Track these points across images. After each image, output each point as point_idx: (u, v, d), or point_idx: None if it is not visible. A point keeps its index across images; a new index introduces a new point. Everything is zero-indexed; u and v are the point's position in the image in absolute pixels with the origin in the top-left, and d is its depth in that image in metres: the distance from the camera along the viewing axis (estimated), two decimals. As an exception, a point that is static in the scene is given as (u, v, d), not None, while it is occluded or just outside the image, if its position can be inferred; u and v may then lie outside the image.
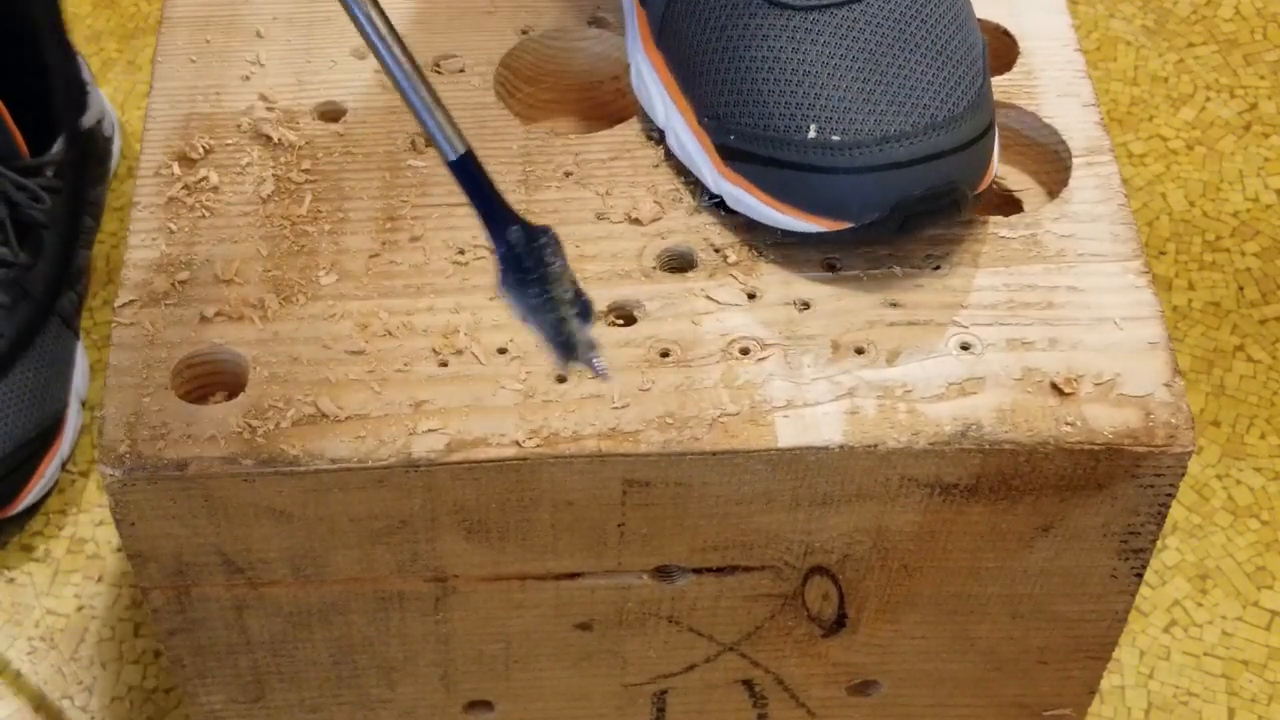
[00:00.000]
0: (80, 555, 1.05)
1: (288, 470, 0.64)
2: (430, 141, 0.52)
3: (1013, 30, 0.77)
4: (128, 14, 1.34)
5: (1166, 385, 0.66)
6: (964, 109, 0.64)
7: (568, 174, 0.72)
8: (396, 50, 0.51)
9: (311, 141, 0.73)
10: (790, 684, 0.76)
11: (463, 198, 0.71)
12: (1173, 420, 0.65)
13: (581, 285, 0.55)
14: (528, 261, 0.53)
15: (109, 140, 1.19)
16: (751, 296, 0.68)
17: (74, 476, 1.08)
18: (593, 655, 0.74)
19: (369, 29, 0.51)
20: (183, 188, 0.71)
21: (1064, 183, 0.72)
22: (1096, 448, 0.65)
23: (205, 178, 0.72)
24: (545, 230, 0.54)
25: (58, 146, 1.07)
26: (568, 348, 0.55)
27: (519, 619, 0.71)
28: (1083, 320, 0.68)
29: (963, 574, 0.70)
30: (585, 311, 0.55)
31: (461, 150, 0.52)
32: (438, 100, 0.52)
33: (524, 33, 0.77)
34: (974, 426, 0.65)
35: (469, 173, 0.53)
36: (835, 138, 0.62)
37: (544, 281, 0.54)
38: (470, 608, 0.71)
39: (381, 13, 0.51)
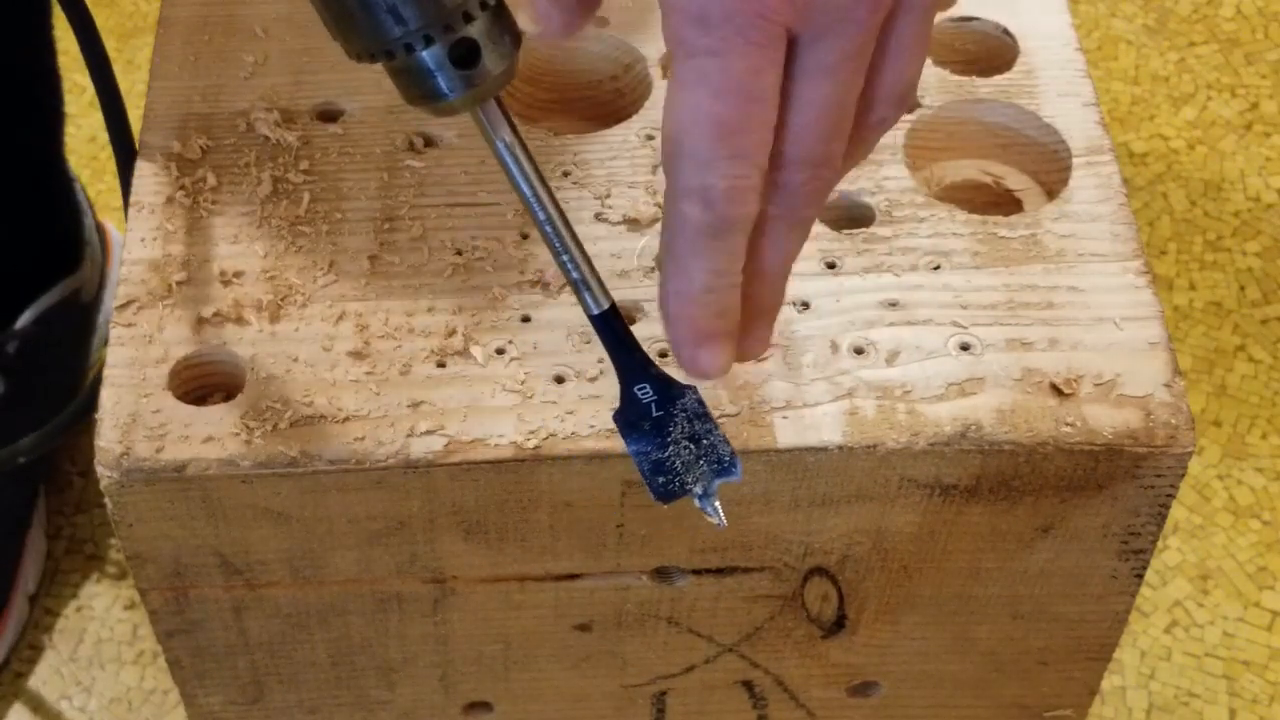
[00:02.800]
0: (80, 555, 1.05)
1: (286, 471, 0.64)
2: (577, 293, 0.52)
3: (1013, 30, 0.77)
4: (127, 13, 1.34)
5: (1167, 385, 0.66)
6: None
7: (566, 174, 0.72)
8: (548, 202, 0.51)
9: (310, 142, 0.73)
10: (790, 685, 0.76)
11: (462, 198, 0.71)
12: (1173, 421, 0.65)
13: (728, 446, 0.53)
14: (653, 421, 0.52)
15: (91, 308, 1.10)
16: (751, 297, 0.68)
17: (73, 477, 1.08)
18: (592, 656, 0.74)
19: (523, 183, 0.51)
20: (181, 188, 0.71)
21: (1064, 182, 0.72)
22: (1096, 448, 0.65)
23: (203, 178, 0.71)
24: (686, 392, 0.52)
25: (22, 321, 1.03)
26: (671, 484, 0.53)
27: (518, 620, 0.71)
28: (1083, 320, 0.67)
29: (963, 575, 0.70)
30: (724, 468, 0.53)
31: (606, 305, 0.52)
32: (584, 253, 0.51)
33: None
34: (974, 427, 0.64)
35: (612, 327, 0.52)
36: None
37: (664, 434, 0.52)
38: (469, 609, 0.70)
39: (534, 163, 0.51)
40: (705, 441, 0.52)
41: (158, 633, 0.71)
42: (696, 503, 0.53)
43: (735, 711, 0.77)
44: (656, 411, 0.52)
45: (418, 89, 0.51)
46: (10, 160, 1.01)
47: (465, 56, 0.50)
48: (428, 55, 0.50)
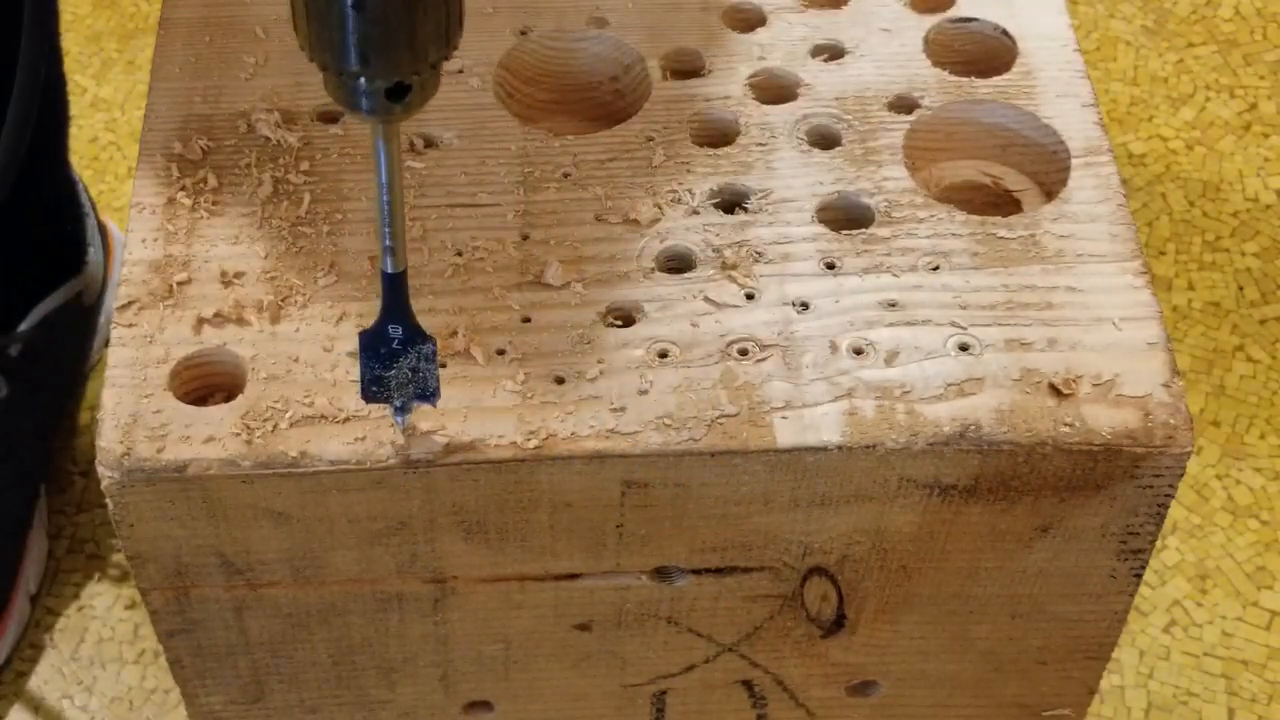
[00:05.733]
0: (80, 555, 1.05)
1: (286, 471, 0.64)
2: (382, 255, 0.60)
3: (1012, 30, 0.77)
4: (128, 14, 1.34)
5: (1165, 386, 0.66)
6: None
7: (566, 175, 0.72)
8: (396, 189, 0.59)
9: (310, 143, 0.73)
10: (789, 684, 0.76)
11: (461, 199, 0.71)
12: (1171, 421, 0.65)
13: (437, 384, 0.63)
14: (390, 350, 0.62)
15: (93, 310, 1.11)
16: (750, 297, 0.68)
17: (74, 476, 1.08)
18: (592, 656, 0.74)
19: (384, 170, 0.58)
20: (182, 189, 0.71)
21: (1063, 183, 0.72)
22: (1095, 448, 0.65)
23: (204, 179, 0.72)
24: (428, 341, 0.62)
25: (25, 324, 1.04)
26: (380, 394, 0.63)
27: (518, 620, 0.71)
28: (1081, 321, 0.68)
29: (962, 574, 0.70)
30: (425, 395, 0.63)
31: (401, 269, 0.60)
32: (403, 229, 0.60)
33: (523, 33, 0.77)
34: (973, 427, 0.65)
35: (397, 285, 0.61)
36: None
37: (393, 360, 0.62)
38: (469, 609, 0.71)
39: (399, 158, 0.59)
40: (421, 375, 0.62)
41: (159, 632, 0.71)
42: (391, 412, 0.63)
43: (735, 711, 0.77)
44: (396, 346, 0.61)
45: (345, 97, 0.56)
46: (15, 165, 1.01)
47: (397, 93, 0.56)
48: (367, 84, 0.55)
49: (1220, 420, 1.11)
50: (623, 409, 0.65)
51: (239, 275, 0.69)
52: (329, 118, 0.74)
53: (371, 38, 0.54)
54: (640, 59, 0.76)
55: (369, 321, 0.62)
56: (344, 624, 0.71)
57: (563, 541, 0.68)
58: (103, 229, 1.13)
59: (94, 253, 1.10)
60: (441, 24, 0.55)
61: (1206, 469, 1.08)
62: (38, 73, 0.79)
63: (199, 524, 0.65)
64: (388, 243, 0.60)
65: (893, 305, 0.68)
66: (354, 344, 0.66)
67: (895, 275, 0.69)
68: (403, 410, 0.62)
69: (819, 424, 0.65)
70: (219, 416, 0.65)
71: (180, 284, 0.68)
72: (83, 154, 1.26)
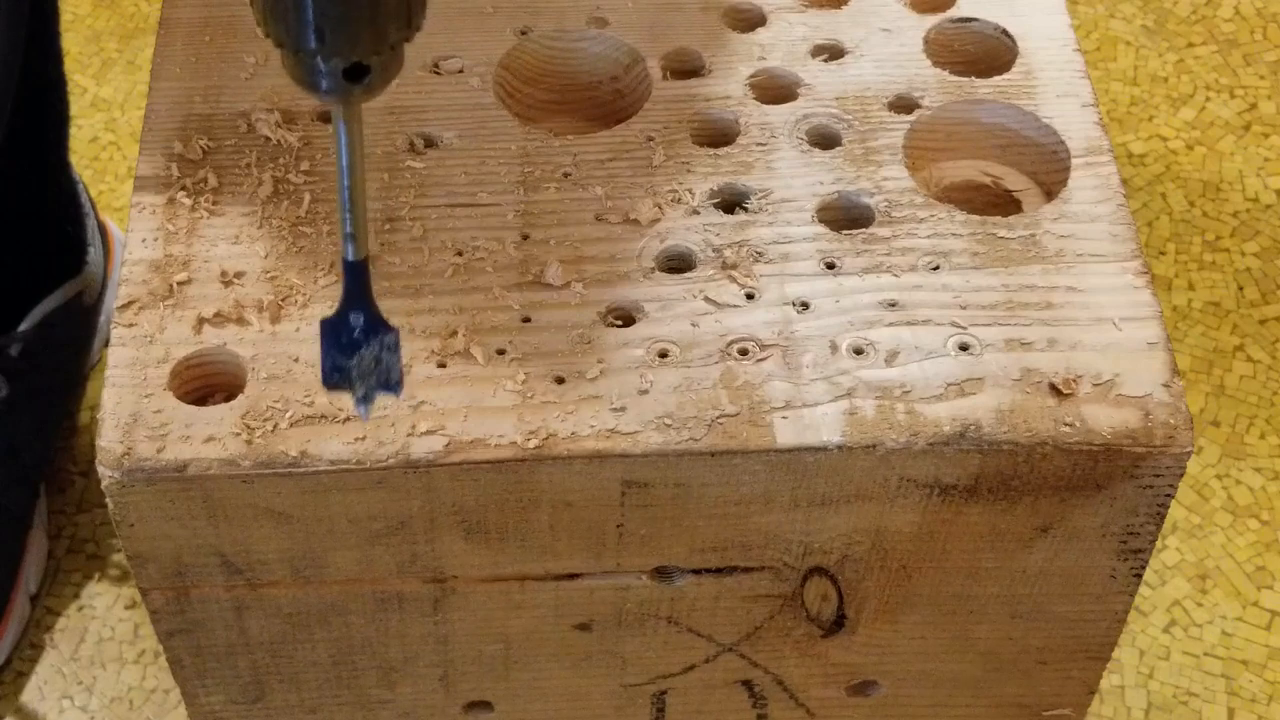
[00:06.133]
0: (80, 555, 1.05)
1: (286, 471, 0.64)
2: (344, 243, 0.59)
3: (1012, 30, 0.77)
4: (128, 14, 1.34)
5: (1165, 386, 0.66)
6: None
7: (566, 175, 0.72)
8: (358, 175, 0.58)
9: (310, 143, 0.73)
10: (790, 684, 0.76)
11: (462, 198, 0.71)
12: (1171, 421, 0.65)
13: (400, 374, 0.61)
14: (351, 339, 0.61)
15: (94, 310, 1.11)
16: (750, 297, 0.68)
17: (74, 476, 1.08)
18: (592, 656, 0.74)
19: (345, 154, 0.57)
20: (182, 189, 0.71)
21: (1063, 183, 0.72)
22: (1095, 448, 0.65)
23: (204, 179, 0.72)
24: (391, 331, 0.60)
25: (26, 324, 1.04)
26: (342, 382, 0.61)
27: (518, 620, 0.71)
28: (1081, 320, 0.68)
29: (962, 574, 0.70)
30: (388, 386, 0.61)
31: (363, 256, 0.59)
32: (364, 215, 0.59)
33: (523, 33, 0.77)
34: (973, 427, 0.65)
35: (358, 273, 0.59)
36: None
37: (354, 349, 0.61)
38: (469, 608, 0.71)
39: (361, 145, 0.58)
40: (384, 364, 0.60)
41: (159, 632, 0.71)
42: (353, 402, 0.60)
43: (735, 711, 0.77)
44: (358, 334, 0.60)
45: (304, 76, 0.55)
46: (17, 166, 1.01)
47: (356, 73, 0.54)
48: (324, 63, 0.54)
49: (1220, 420, 1.11)
50: (623, 409, 0.65)
51: (239, 275, 0.69)
52: (329, 117, 0.74)
53: (329, 14, 0.52)
54: (640, 59, 0.76)
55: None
56: (344, 624, 0.71)
57: (563, 541, 0.68)
58: (103, 229, 1.13)
59: (94, 253, 1.10)
60: (403, 1, 0.53)
61: (1206, 469, 1.08)
62: (10, 68, 0.78)
63: (199, 524, 0.65)
64: (349, 229, 0.58)
65: (893, 305, 0.68)
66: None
67: (895, 275, 0.69)
68: (365, 400, 0.61)
69: (819, 424, 0.65)
70: (219, 416, 0.65)
71: (180, 284, 0.68)
72: (83, 154, 1.26)
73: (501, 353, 0.66)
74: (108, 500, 0.64)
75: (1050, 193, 0.73)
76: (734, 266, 0.69)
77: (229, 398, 0.65)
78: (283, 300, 0.68)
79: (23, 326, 1.04)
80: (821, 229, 0.70)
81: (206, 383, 0.67)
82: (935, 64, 0.76)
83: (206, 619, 0.70)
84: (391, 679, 0.74)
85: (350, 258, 0.59)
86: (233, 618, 0.70)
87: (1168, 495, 0.67)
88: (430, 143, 0.73)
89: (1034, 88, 0.75)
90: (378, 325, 0.60)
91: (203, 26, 0.77)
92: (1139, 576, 0.71)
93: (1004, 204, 0.74)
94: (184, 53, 0.76)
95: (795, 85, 0.75)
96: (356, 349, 0.60)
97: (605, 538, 0.68)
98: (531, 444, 0.64)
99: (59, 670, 1.00)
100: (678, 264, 0.70)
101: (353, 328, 0.60)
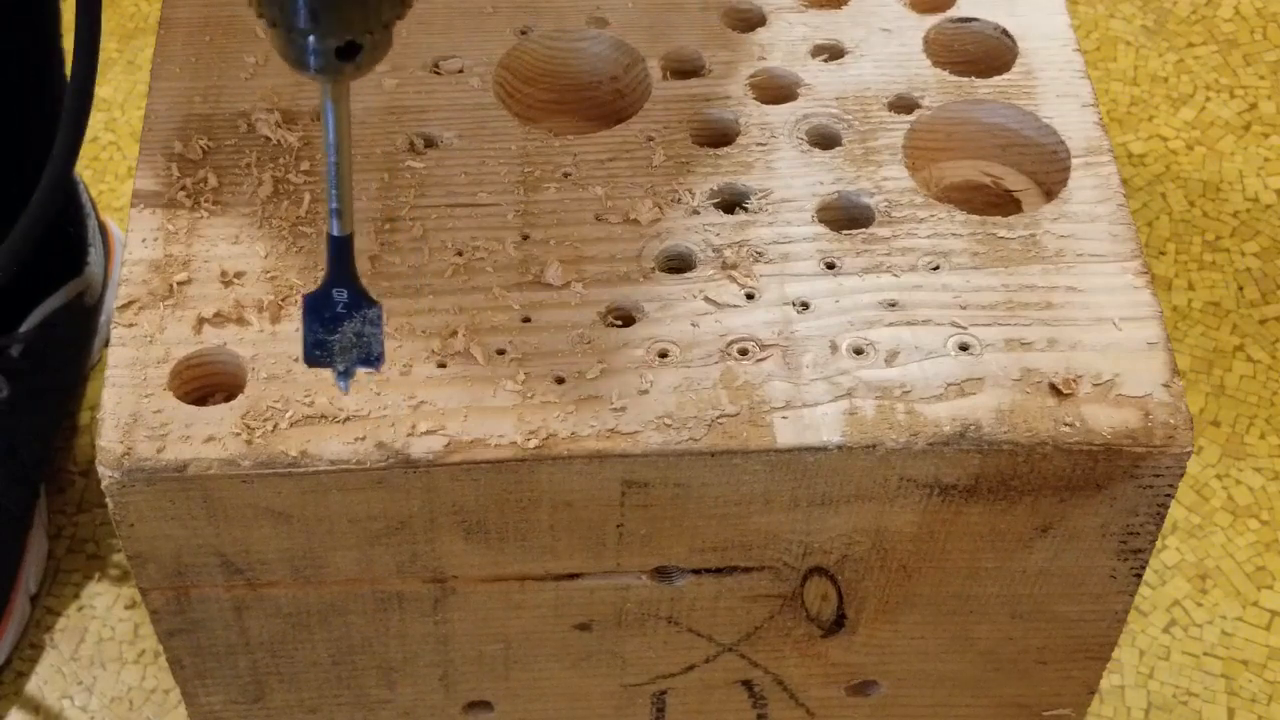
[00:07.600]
0: (80, 555, 1.05)
1: (286, 471, 0.64)
2: (330, 218, 0.59)
3: (1012, 30, 0.77)
4: (128, 14, 1.34)
5: (1165, 385, 0.66)
6: None
7: (566, 175, 0.72)
8: (344, 152, 0.58)
9: (311, 142, 0.73)
10: (789, 684, 0.76)
11: (462, 198, 0.71)
12: (1171, 420, 0.65)
13: (381, 348, 0.61)
14: (334, 314, 0.61)
15: (94, 310, 1.11)
16: (750, 297, 0.68)
17: (74, 476, 1.08)
18: (592, 656, 0.74)
19: (331, 131, 0.58)
20: (182, 189, 0.71)
21: (1063, 183, 0.72)
22: (1095, 448, 0.65)
23: (205, 179, 0.72)
24: (374, 305, 0.61)
25: (27, 324, 1.04)
26: (323, 358, 0.61)
27: (518, 620, 0.71)
28: (1081, 320, 0.68)
29: (962, 574, 0.70)
30: (369, 360, 0.61)
31: (348, 233, 0.59)
32: (350, 193, 0.59)
33: (523, 33, 0.77)
34: (973, 427, 0.65)
35: (343, 248, 0.59)
36: None
37: (337, 325, 0.61)
38: (469, 608, 0.71)
39: (347, 123, 0.58)
40: (365, 339, 0.60)
41: (159, 632, 0.71)
42: (334, 376, 0.60)
43: (735, 711, 0.77)
44: (340, 310, 0.60)
45: (295, 55, 0.55)
46: (18, 167, 1.01)
47: (347, 51, 0.55)
48: (317, 42, 0.54)
49: (1220, 420, 1.11)
50: (623, 409, 0.65)
51: (239, 275, 0.69)
52: (329, 117, 0.74)
53: None
54: (640, 59, 0.76)
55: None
56: (344, 624, 0.71)
57: (563, 541, 0.68)
58: (103, 229, 1.13)
59: (95, 253, 1.10)
60: None
61: (1206, 469, 1.08)
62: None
63: (199, 524, 0.65)
64: (335, 205, 0.59)
65: (893, 305, 0.68)
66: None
67: (895, 275, 0.69)
68: (345, 375, 0.61)
69: (819, 424, 0.65)
70: (219, 416, 0.65)
71: (180, 284, 0.68)
72: (83, 154, 1.26)
73: (501, 353, 0.66)
74: (108, 500, 0.64)
75: (1050, 193, 0.73)
76: (734, 266, 0.69)
77: (229, 398, 0.66)
78: (283, 300, 0.68)
79: (24, 327, 1.04)
80: (821, 229, 0.70)
81: (206, 383, 0.67)
82: (935, 64, 0.76)
83: (206, 619, 0.70)
84: (391, 679, 0.74)
85: (336, 233, 0.59)
86: (233, 618, 0.70)
87: (1168, 495, 0.67)
88: (430, 143, 0.73)
89: (1034, 88, 0.75)
90: (360, 300, 0.60)
91: (203, 26, 0.77)
92: (1139, 576, 0.71)
93: (1004, 204, 0.74)
94: (184, 53, 0.76)
95: (795, 85, 0.75)
96: (339, 324, 0.60)
97: (605, 538, 0.68)
98: (531, 444, 0.64)
99: (59, 670, 1.00)
100: (678, 264, 0.70)
101: (336, 303, 0.60)
